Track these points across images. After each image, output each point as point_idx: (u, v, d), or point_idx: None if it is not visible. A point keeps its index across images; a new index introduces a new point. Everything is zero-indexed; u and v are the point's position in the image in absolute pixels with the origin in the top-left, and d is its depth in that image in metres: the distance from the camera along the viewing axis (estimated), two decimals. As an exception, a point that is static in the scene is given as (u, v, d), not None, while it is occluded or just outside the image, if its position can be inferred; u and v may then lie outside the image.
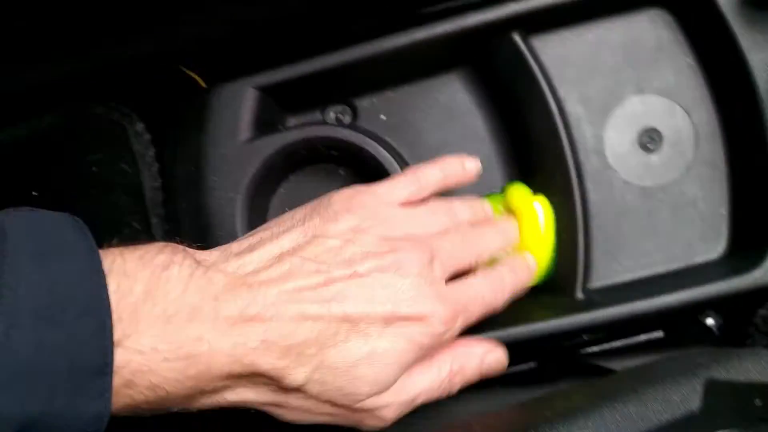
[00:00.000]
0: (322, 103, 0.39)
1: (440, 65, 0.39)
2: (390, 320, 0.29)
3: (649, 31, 0.38)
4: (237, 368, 0.27)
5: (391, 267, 0.30)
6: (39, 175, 0.39)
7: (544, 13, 0.35)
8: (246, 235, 0.31)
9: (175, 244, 0.28)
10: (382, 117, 0.39)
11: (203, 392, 0.27)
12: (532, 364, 0.40)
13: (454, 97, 0.39)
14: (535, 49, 0.37)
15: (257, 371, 0.27)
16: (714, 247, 0.37)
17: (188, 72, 0.37)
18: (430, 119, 0.39)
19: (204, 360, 0.26)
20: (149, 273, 0.26)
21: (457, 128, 0.39)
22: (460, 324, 0.31)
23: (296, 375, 0.28)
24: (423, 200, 0.34)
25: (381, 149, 0.35)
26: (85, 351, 0.24)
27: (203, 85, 0.37)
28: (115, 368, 0.24)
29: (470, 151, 0.38)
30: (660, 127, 0.38)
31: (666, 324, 0.40)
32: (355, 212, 0.31)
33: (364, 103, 0.39)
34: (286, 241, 0.30)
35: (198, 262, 0.28)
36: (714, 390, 0.26)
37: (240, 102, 0.35)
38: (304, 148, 0.36)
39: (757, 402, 0.24)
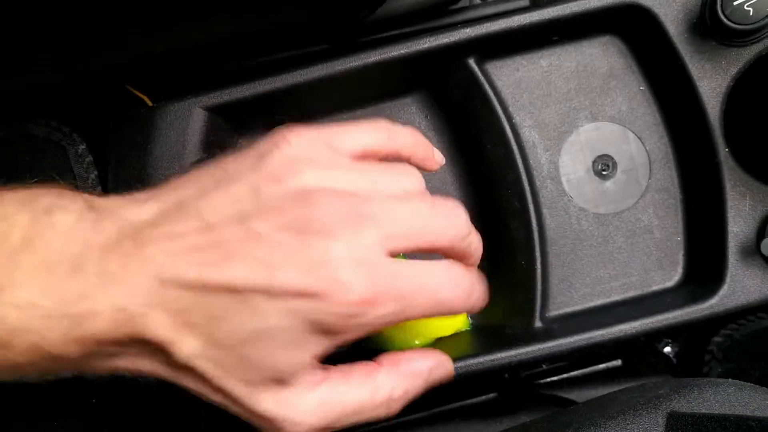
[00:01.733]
0: (275, 125, 0.37)
1: (395, 89, 0.38)
2: (286, 294, 0.24)
3: (602, 58, 0.38)
4: (122, 333, 0.23)
5: (297, 225, 0.24)
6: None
7: (498, 39, 0.35)
8: (156, 188, 0.27)
9: (67, 186, 0.25)
10: (336, 141, 0.38)
11: (93, 356, 0.24)
12: (491, 396, 0.39)
13: (410, 121, 0.38)
14: (489, 74, 0.37)
15: (143, 338, 0.24)
16: (670, 274, 0.37)
17: (134, 91, 0.36)
18: (386, 144, 0.38)
19: (87, 321, 0.23)
20: (29, 217, 0.23)
21: (413, 153, 0.38)
22: (392, 311, 0.25)
23: (183, 346, 0.24)
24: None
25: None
26: None
27: (150, 103, 0.35)
28: None
29: (426, 176, 0.38)
30: (614, 154, 0.38)
31: (623, 352, 0.40)
32: (285, 148, 0.26)
33: (317, 127, 0.38)
34: (191, 187, 0.25)
35: (90, 207, 0.24)
36: (675, 422, 0.25)
37: (187, 122, 0.33)
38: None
39: (718, 434, 0.24)
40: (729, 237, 0.35)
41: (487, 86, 0.36)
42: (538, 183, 0.37)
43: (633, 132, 0.38)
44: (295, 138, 0.26)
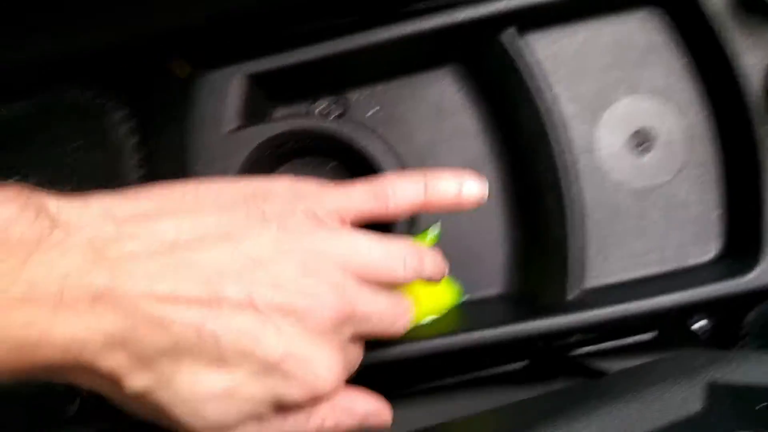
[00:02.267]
0: (311, 95, 0.37)
1: (431, 61, 0.38)
2: (268, 368, 0.24)
3: (641, 31, 0.37)
4: (71, 362, 0.22)
5: (296, 312, 0.24)
6: (14, 163, 0.37)
7: (536, 10, 0.35)
8: (146, 190, 0.25)
9: (34, 193, 0.23)
10: (371, 111, 0.38)
11: (31, 375, 0.23)
12: (522, 364, 0.40)
13: (444, 93, 0.38)
14: (527, 47, 0.36)
15: (94, 369, 0.23)
16: (706, 249, 0.37)
17: (173, 59, 0.36)
18: (420, 115, 0.38)
19: (30, 349, 0.21)
20: None
21: (447, 125, 0.38)
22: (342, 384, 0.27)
23: (137, 382, 0.23)
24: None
25: (371, 143, 0.34)
26: None
27: (186, 72, 0.35)
28: None
29: (460, 149, 0.38)
30: (651, 128, 0.37)
31: (656, 326, 0.40)
32: (287, 222, 0.26)
33: (353, 97, 0.38)
34: (190, 225, 0.24)
35: (56, 224, 0.22)
36: (715, 392, 0.25)
37: (227, 90, 0.33)
38: (292, 140, 0.34)
39: (760, 406, 0.23)
40: (766, 213, 0.34)
41: (524, 58, 0.35)
42: (574, 156, 0.36)
43: (671, 106, 0.37)
44: (298, 202, 0.26)
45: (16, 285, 0.21)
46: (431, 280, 0.30)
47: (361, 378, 0.32)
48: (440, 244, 0.37)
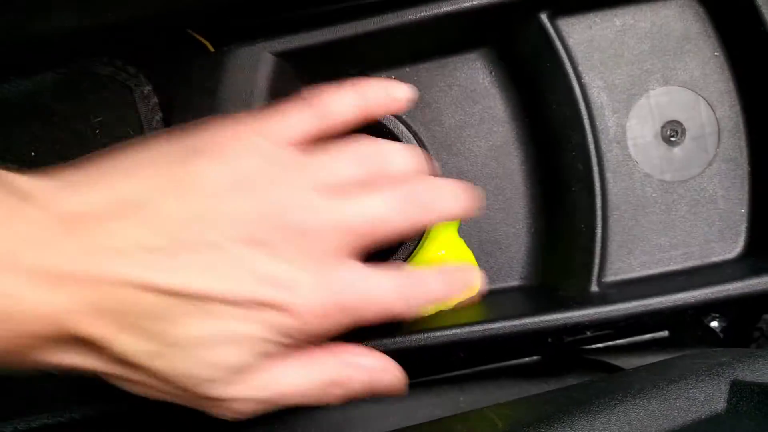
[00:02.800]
0: (339, 76, 0.37)
1: (462, 43, 0.37)
2: (247, 304, 0.24)
3: (678, 20, 0.36)
4: (55, 331, 0.22)
5: (262, 242, 0.24)
6: (37, 135, 0.37)
7: (572, -6, 0.34)
8: (91, 163, 0.25)
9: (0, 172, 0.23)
10: (399, 93, 0.37)
11: (12, 354, 0.23)
12: (534, 358, 0.39)
13: (474, 77, 0.38)
14: (561, 31, 0.36)
15: (82, 338, 0.23)
16: (731, 246, 0.36)
17: (195, 35, 0.36)
18: (448, 99, 0.38)
19: (11, 319, 0.22)
20: None
21: (476, 109, 0.37)
22: (341, 323, 0.26)
23: (130, 347, 0.23)
24: (331, 138, 0.28)
25: (399, 124, 0.33)
26: None
27: (211, 49, 0.35)
28: None
29: (488, 133, 0.37)
30: (683, 120, 0.37)
31: (672, 323, 0.39)
32: (229, 157, 0.25)
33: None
34: (139, 182, 0.24)
35: (13, 192, 0.22)
36: (739, 391, 0.25)
37: (256, 67, 0.33)
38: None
39: (787, 405, 0.23)
40: None
41: (558, 43, 0.35)
42: (603, 146, 0.36)
43: (704, 98, 0.37)
44: (239, 140, 0.26)
45: None
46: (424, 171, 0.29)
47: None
48: (462, 232, 0.37)
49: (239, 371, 0.25)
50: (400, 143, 0.29)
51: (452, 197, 0.28)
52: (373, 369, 0.28)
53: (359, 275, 0.26)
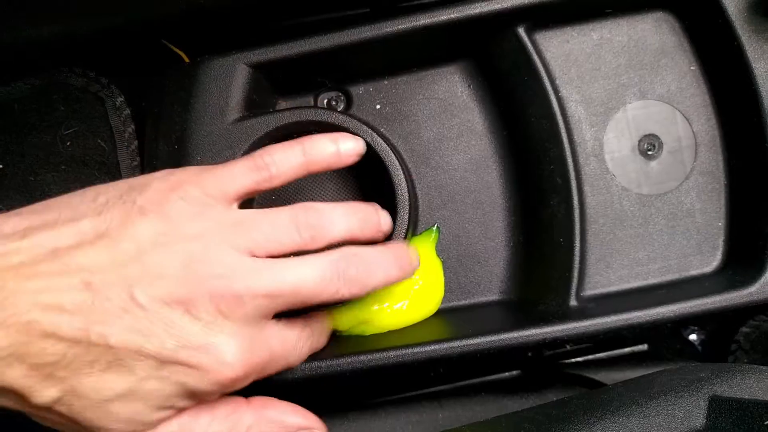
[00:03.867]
0: (316, 88, 0.37)
1: (440, 56, 0.37)
2: (165, 362, 0.24)
3: (654, 35, 0.37)
4: None
5: (183, 302, 0.24)
6: (6, 147, 0.36)
7: (550, 8, 0.34)
8: (33, 207, 0.26)
9: None
10: (377, 106, 0.37)
11: None
12: (514, 373, 0.39)
13: (452, 90, 0.37)
14: (539, 45, 0.36)
15: (3, 386, 0.24)
16: (709, 259, 0.36)
17: (171, 46, 0.35)
18: (427, 112, 0.37)
19: None
20: None
21: (454, 122, 0.37)
22: (251, 380, 0.27)
23: (43, 396, 0.24)
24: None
25: (377, 137, 0.33)
26: None
27: (186, 59, 0.35)
28: None
29: (467, 147, 0.37)
30: (660, 134, 0.37)
31: (651, 337, 0.39)
32: (163, 210, 0.25)
33: (358, 91, 0.37)
34: (69, 232, 0.24)
35: None
36: (718, 407, 0.25)
37: (231, 79, 0.33)
38: (296, 132, 0.34)
39: (766, 422, 0.23)
40: None
41: (535, 57, 0.35)
42: (581, 159, 0.36)
43: (681, 112, 0.37)
44: (177, 191, 0.26)
45: None
46: (365, 238, 0.30)
47: (358, 380, 0.32)
48: (441, 246, 0.37)
49: (146, 425, 0.26)
50: (343, 206, 0.29)
51: (383, 270, 0.29)
52: (297, 428, 0.29)
53: (276, 337, 0.27)
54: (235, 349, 0.25)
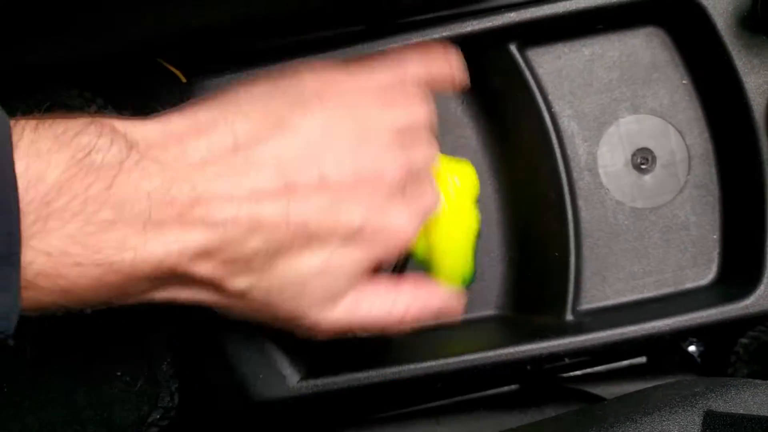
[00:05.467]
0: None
1: (433, 73, 0.37)
2: (354, 238, 0.26)
3: (645, 49, 0.37)
4: (166, 273, 0.23)
5: (365, 181, 0.26)
6: None
7: (542, 25, 0.35)
8: (192, 107, 0.26)
9: (104, 120, 0.23)
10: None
11: (124, 295, 0.24)
12: (513, 387, 0.39)
13: (445, 106, 0.38)
14: (531, 61, 0.36)
15: (192, 278, 0.24)
16: (705, 272, 0.36)
17: (168, 66, 0.35)
18: (420, 128, 0.37)
19: (126, 268, 0.22)
20: (68, 157, 0.21)
21: (448, 138, 0.37)
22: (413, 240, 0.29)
23: (238, 284, 0.25)
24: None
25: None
26: None
27: (183, 79, 0.35)
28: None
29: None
30: (653, 148, 0.37)
31: (649, 349, 0.39)
32: (329, 100, 0.27)
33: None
34: (242, 128, 0.25)
35: (130, 146, 0.23)
36: (713, 422, 0.25)
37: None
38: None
39: (760, 436, 0.23)
40: None
41: (527, 73, 0.35)
42: (575, 174, 0.36)
43: (674, 126, 0.37)
44: (334, 84, 0.28)
45: (105, 208, 0.22)
46: None
47: (354, 398, 0.32)
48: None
49: (331, 300, 0.27)
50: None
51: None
52: (445, 304, 0.31)
53: (425, 199, 0.30)
54: (408, 218, 0.28)
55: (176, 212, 0.23)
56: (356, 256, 0.27)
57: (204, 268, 0.24)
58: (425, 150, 0.29)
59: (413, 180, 0.28)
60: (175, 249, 0.23)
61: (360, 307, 0.28)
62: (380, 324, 0.29)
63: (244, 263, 0.25)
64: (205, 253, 0.24)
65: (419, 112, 0.29)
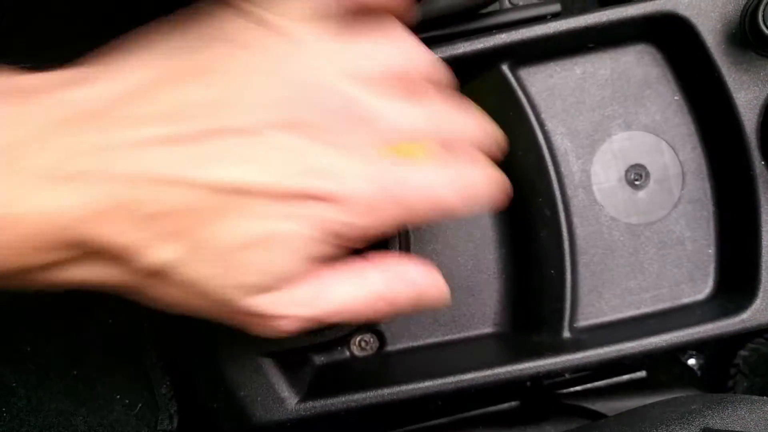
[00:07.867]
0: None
1: (427, 93, 0.38)
2: (288, 196, 0.21)
3: (637, 66, 0.37)
4: (67, 239, 0.20)
5: (299, 124, 0.21)
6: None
7: (533, 45, 0.35)
8: (100, 51, 0.22)
9: (10, 71, 0.20)
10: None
11: (19, 269, 0.20)
12: (513, 404, 0.39)
13: (440, 126, 0.38)
14: (523, 81, 0.36)
15: (100, 245, 0.20)
16: (701, 287, 0.36)
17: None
18: (415, 148, 0.38)
19: (15, 228, 0.19)
20: None
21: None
22: (392, 218, 0.23)
23: (155, 255, 0.20)
24: (364, 19, 0.25)
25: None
26: None
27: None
28: None
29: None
30: (647, 164, 0.37)
31: (649, 364, 0.39)
32: (251, 40, 0.22)
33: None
34: (157, 65, 0.21)
35: (15, 91, 0.20)
36: (709, 439, 0.25)
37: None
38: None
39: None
40: (762, 251, 0.34)
41: (519, 92, 0.35)
42: (569, 191, 0.36)
43: (666, 142, 0.37)
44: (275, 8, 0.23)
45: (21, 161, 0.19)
46: None
47: (352, 419, 0.32)
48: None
49: (283, 279, 0.22)
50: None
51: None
52: (421, 284, 0.26)
53: (409, 167, 0.24)
54: (368, 175, 0.22)
55: (73, 158, 0.19)
56: (306, 228, 0.22)
57: (114, 230, 0.20)
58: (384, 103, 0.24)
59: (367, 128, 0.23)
60: (73, 202, 0.19)
61: (323, 294, 0.24)
62: (353, 308, 0.24)
63: (163, 226, 0.20)
64: (112, 209, 0.20)
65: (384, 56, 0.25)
